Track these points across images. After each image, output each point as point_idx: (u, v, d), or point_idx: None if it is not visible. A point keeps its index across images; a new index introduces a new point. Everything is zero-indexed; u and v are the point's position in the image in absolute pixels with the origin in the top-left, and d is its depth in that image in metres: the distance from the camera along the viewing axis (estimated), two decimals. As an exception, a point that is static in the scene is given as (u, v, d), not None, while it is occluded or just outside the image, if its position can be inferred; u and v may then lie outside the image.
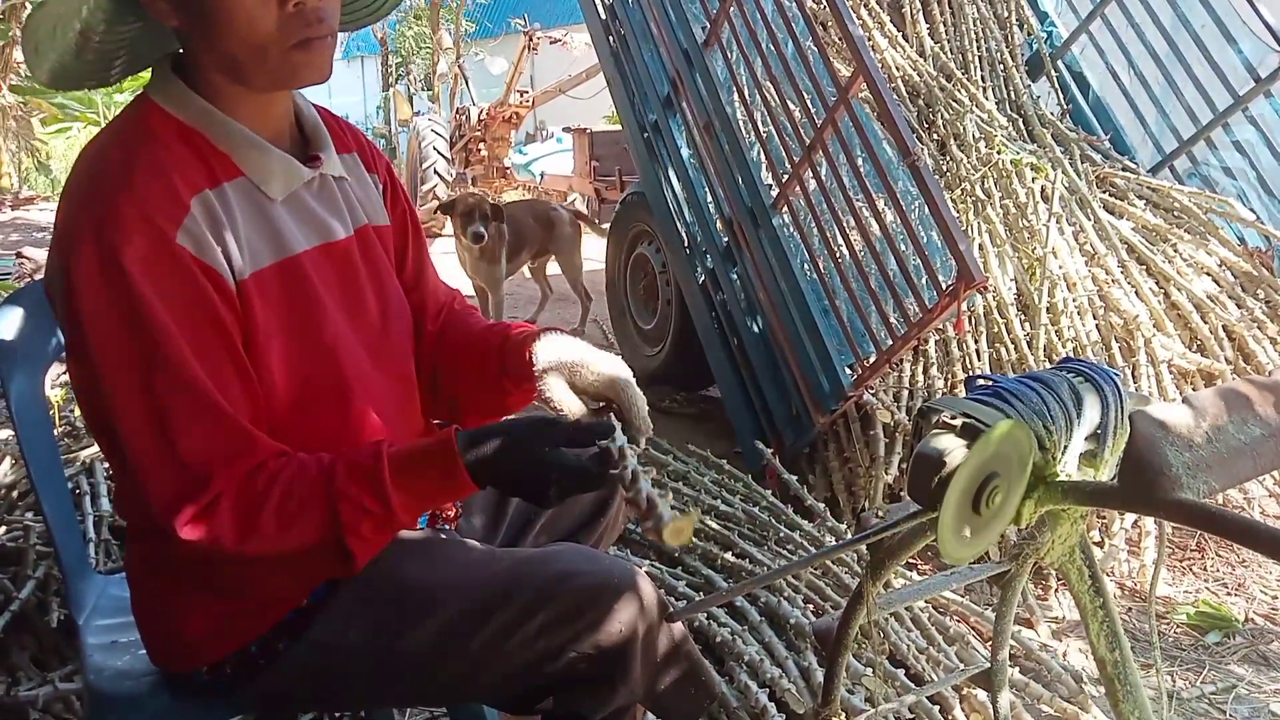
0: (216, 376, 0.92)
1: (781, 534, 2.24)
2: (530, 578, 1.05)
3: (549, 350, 1.06)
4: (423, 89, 13.26)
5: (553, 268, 5.13)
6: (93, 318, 0.90)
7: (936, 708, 1.66)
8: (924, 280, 2.31)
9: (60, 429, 2.51)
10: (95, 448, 2.34)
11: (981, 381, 0.89)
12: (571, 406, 1.02)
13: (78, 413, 2.63)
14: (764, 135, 2.80)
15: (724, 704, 1.64)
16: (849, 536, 2.22)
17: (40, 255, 5.85)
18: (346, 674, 1.06)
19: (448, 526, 1.21)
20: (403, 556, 1.05)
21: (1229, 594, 2.27)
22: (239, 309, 0.96)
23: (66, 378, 3.49)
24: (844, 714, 1.14)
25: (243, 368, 0.95)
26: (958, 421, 0.82)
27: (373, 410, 1.07)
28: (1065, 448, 0.86)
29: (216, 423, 0.92)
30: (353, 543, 0.93)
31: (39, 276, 1.34)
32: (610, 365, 1.05)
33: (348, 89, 20.67)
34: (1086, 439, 0.89)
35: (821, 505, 2.35)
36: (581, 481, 0.95)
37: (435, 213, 4.69)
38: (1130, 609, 2.17)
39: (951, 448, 0.79)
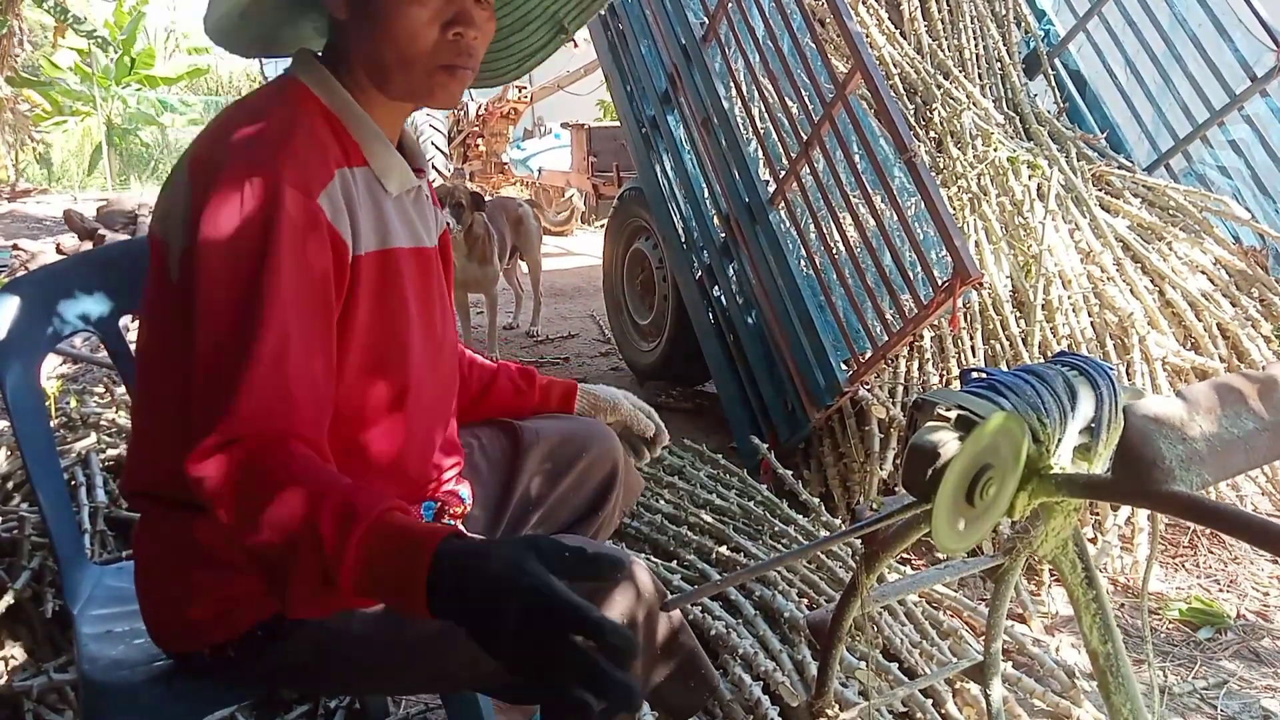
0: (303, 336, 0.92)
1: (776, 528, 2.24)
2: None
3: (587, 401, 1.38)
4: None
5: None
6: (216, 243, 0.91)
7: (929, 701, 1.67)
8: (920, 276, 2.32)
9: (56, 420, 2.50)
10: (91, 439, 2.34)
11: (976, 375, 0.90)
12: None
13: (74, 404, 2.62)
14: (761, 131, 2.80)
15: (718, 697, 1.65)
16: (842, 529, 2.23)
17: (36, 248, 5.83)
18: (350, 660, 1.06)
19: (454, 521, 1.22)
20: None
21: (1221, 590, 2.28)
22: (348, 280, 0.99)
23: (62, 369, 3.50)
24: (837, 706, 1.15)
25: (327, 342, 0.96)
26: (952, 414, 0.83)
27: (420, 416, 1.11)
28: (1059, 440, 0.86)
29: (278, 375, 0.89)
30: (294, 578, 0.82)
31: (33, 267, 1.34)
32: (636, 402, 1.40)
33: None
34: (1081, 432, 0.90)
35: (816, 500, 2.35)
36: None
37: None
38: (1123, 605, 2.18)
39: (946, 440, 0.79)
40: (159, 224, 1.01)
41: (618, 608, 1.04)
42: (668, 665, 1.12)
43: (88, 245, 6.02)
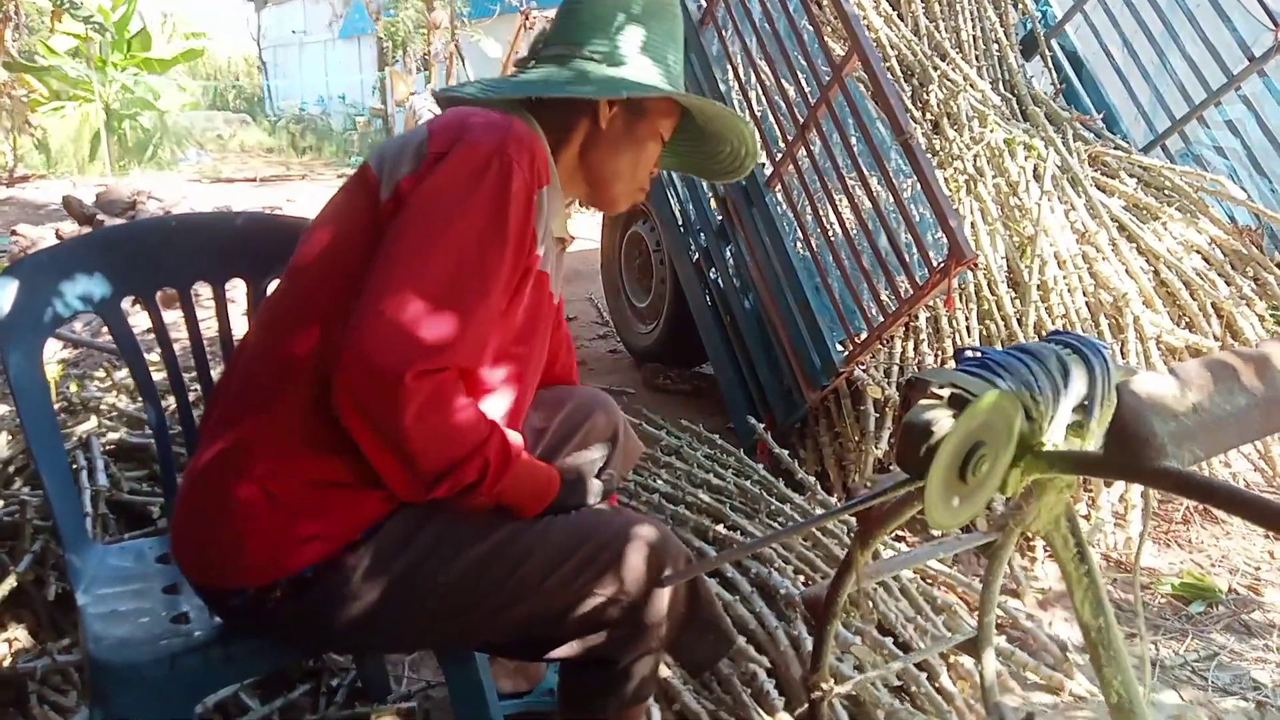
0: (497, 297, 1.07)
1: (773, 507, 2.26)
2: (565, 523, 1.14)
3: None
4: (419, 69, 13.14)
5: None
6: (454, 187, 1.04)
7: (924, 675, 1.69)
8: (915, 257, 2.32)
9: (57, 405, 2.51)
10: (92, 423, 2.35)
11: (970, 353, 0.91)
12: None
13: (74, 388, 2.63)
14: (758, 113, 2.80)
15: (715, 672, 1.67)
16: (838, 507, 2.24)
17: (35, 233, 5.80)
18: (384, 604, 1.09)
19: None
20: (447, 501, 1.10)
21: (1213, 565, 2.30)
22: (523, 268, 1.11)
23: (63, 354, 3.50)
24: (832, 680, 1.17)
25: (502, 308, 1.09)
26: (946, 392, 0.84)
27: (515, 404, 1.21)
28: (1052, 418, 0.87)
29: (479, 325, 1.05)
30: (442, 488, 1.04)
31: (32, 252, 1.34)
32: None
33: (345, 68, 20.49)
34: (1074, 410, 0.91)
35: (812, 479, 2.37)
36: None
37: None
38: (1116, 580, 2.20)
39: (939, 417, 0.80)
40: (376, 159, 1.14)
41: (646, 562, 1.11)
42: (691, 622, 1.16)
43: (87, 231, 6.00)
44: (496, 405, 1.16)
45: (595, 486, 1.22)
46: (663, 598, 1.11)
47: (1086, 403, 0.92)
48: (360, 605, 1.09)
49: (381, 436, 1.02)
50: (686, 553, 1.16)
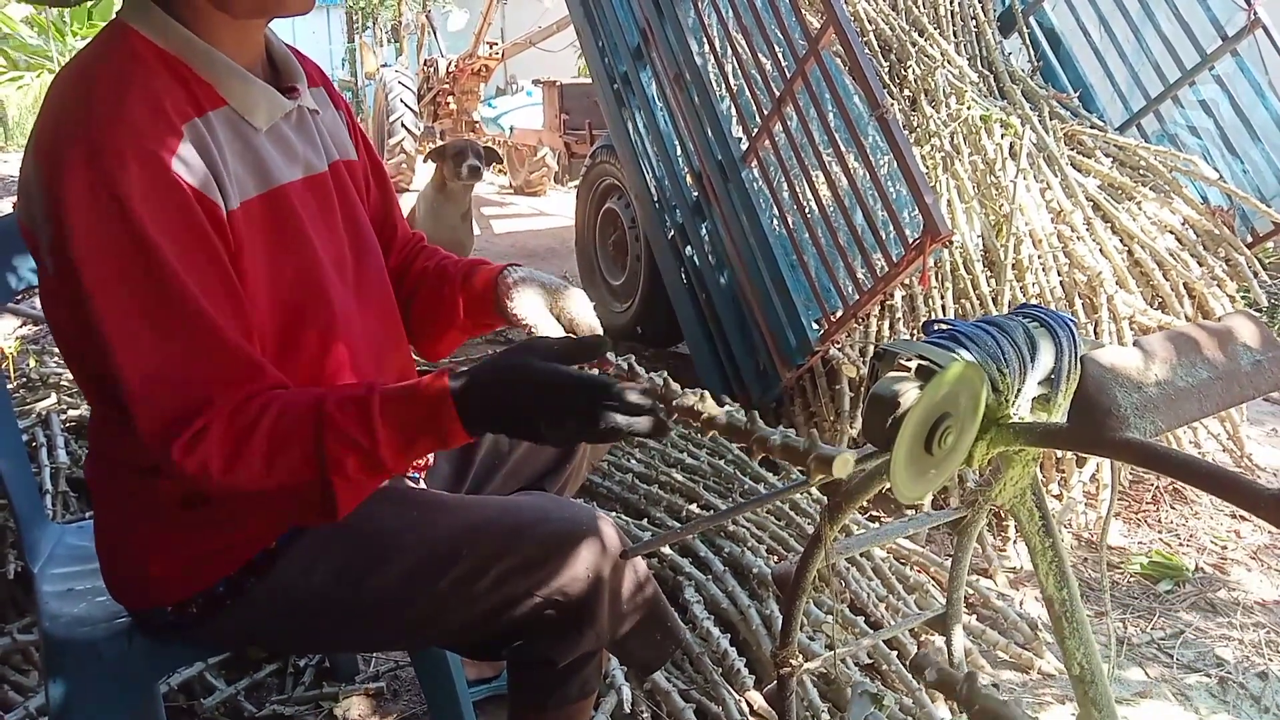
0: (215, 304, 0.90)
1: (746, 486, 2.26)
2: (496, 524, 1.06)
3: (524, 276, 1.14)
4: (389, 40, 12.96)
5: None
6: (87, 246, 0.86)
7: (894, 653, 1.70)
8: (891, 234, 2.31)
9: (15, 381, 2.46)
10: (52, 399, 2.31)
11: (938, 325, 0.90)
12: (548, 328, 1.10)
13: (33, 364, 2.58)
14: (734, 88, 2.77)
15: (686, 650, 1.67)
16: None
17: (-6, 206, 5.69)
18: (310, 616, 1.06)
19: (416, 475, 1.21)
20: (371, 502, 1.05)
21: (1181, 544, 2.32)
22: (229, 238, 0.93)
23: (22, 331, 3.43)
24: (801, 656, 1.16)
25: (238, 296, 0.93)
26: (913, 363, 0.83)
27: (356, 345, 1.06)
28: (1018, 390, 0.86)
29: (215, 350, 0.89)
30: (337, 481, 0.89)
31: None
32: (578, 296, 1.14)
33: (312, 40, 20.21)
34: (1040, 383, 0.90)
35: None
36: (586, 411, 0.83)
37: (426, 160, 4.28)
38: (1086, 559, 2.22)
39: (905, 389, 0.79)
40: (23, 211, 0.94)
41: (586, 565, 1.04)
42: (634, 618, 1.12)
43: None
44: (323, 376, 1.03)
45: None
46: (602, 596, 1.05)
47: (1053, 376, 0.92)
48: (284, 616, 1.05)
49: (228, 491, 0.92)
50: (628, 544, 1.10)
